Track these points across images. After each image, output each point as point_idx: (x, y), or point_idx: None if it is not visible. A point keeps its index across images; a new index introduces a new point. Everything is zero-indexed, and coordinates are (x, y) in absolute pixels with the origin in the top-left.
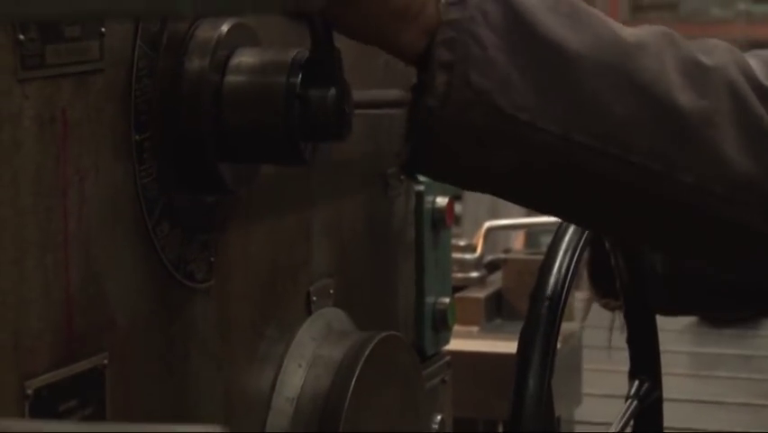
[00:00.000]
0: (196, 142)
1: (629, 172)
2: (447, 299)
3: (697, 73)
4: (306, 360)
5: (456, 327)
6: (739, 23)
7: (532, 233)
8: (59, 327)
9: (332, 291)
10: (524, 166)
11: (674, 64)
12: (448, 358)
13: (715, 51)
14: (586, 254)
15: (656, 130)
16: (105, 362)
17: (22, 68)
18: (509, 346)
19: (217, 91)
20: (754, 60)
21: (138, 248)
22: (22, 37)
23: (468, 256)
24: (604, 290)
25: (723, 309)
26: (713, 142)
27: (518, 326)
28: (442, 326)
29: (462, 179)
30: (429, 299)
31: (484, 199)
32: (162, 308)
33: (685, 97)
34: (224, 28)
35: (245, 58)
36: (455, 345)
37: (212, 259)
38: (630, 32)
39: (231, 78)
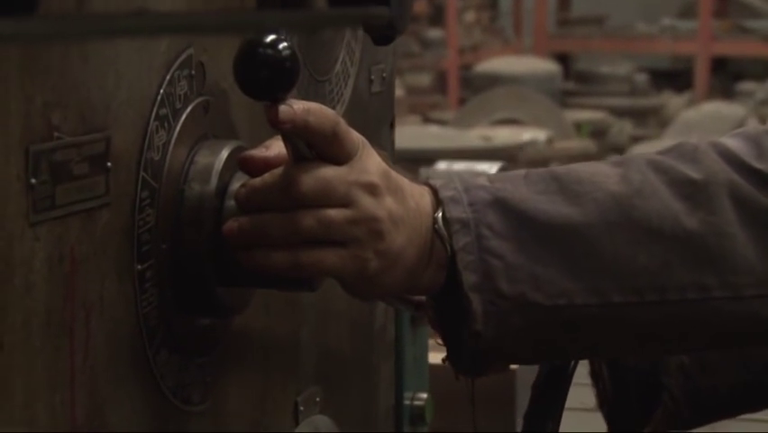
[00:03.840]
0: (195, 268)
1: (670, 310)
2: (425, 395)
3: (693, 191)
4: None
5: None
6: (664, 39)
7: None
8: None
9: (318, 399)
10: (573, 339)
11: (671, 192)
12: None
13: (698, 156)
14: None
15: (682, 263)
16: None
17: (33, 211)
18: None
19: (217, 216)
20: (737, 141)
21: (139, 377)
22: (33, 181)
23: None
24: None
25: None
26: (733, 251)
27: None
28: (419, 421)
29: (521, 364)
30: (407, 395)
31: None
32: None
33: (694, 222)
34: (224, 153)
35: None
36: None
37: (208, 380)
38: (618, 178)
39: (231, 204)
